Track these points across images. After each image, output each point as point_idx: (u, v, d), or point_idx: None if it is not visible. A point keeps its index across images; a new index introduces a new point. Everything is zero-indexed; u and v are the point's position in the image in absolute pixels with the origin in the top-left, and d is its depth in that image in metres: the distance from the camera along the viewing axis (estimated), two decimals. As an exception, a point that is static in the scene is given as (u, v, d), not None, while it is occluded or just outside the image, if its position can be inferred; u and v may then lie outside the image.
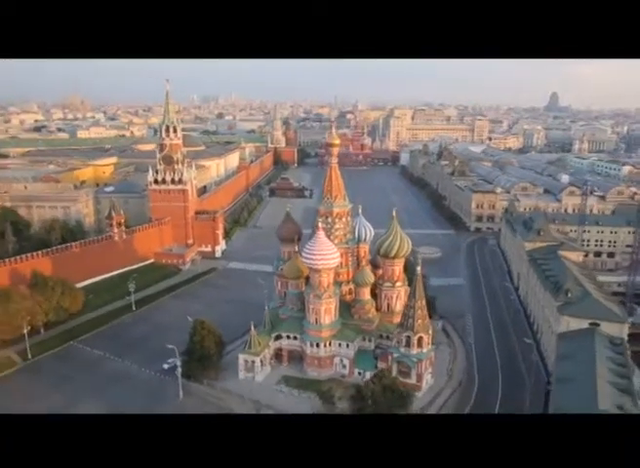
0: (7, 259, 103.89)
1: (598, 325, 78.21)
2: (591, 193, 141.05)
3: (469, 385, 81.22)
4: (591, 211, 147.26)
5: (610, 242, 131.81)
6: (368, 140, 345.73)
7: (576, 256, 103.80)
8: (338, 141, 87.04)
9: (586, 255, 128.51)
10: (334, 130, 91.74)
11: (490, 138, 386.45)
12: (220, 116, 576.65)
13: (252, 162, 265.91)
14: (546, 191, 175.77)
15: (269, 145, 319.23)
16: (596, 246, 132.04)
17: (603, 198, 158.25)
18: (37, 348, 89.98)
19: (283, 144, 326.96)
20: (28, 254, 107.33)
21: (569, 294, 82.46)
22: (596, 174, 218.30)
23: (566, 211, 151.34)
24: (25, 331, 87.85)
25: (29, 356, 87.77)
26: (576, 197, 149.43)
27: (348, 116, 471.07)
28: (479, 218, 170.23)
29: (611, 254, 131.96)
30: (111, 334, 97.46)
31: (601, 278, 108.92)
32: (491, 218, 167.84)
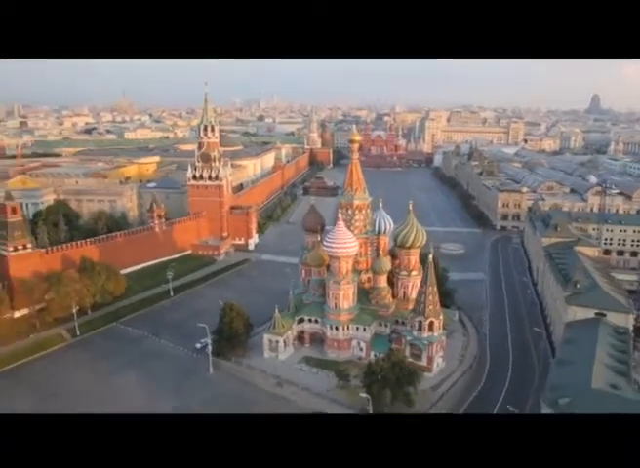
0: (59, 246, 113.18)
1: (604, 315, 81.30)
2: (607, 192, 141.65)
3: (480, 369, 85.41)
4: (617, 210, 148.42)
5: (633, 241, 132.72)
6: (402, 142, 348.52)
7: (592, 252, 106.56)
8: (358, 138, 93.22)
9: (609, 254, 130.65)
10: (354, 127, 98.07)
11: (525, 141, 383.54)
12: (261, 118, 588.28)
13: (288, 162, 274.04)
14: (573, 191, 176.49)
15: (305, 146, 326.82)
16: (619, 244, 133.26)
17: (629, 198, 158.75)
18: (85, 327, 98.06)
19: (319, 146, 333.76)
20: (78, 242, 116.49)
21: (577, 285, 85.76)
22: (628, 175, 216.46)
23: (592, 210, 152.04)
24: (74, 311, 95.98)
25: (78, 333, 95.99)
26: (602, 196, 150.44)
27: (385, 118, 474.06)
28: (505, 217, 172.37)
29: (634, 253, 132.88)
30: (151, 317, 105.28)
31: (621, 276, 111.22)
32: (516, 217, 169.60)
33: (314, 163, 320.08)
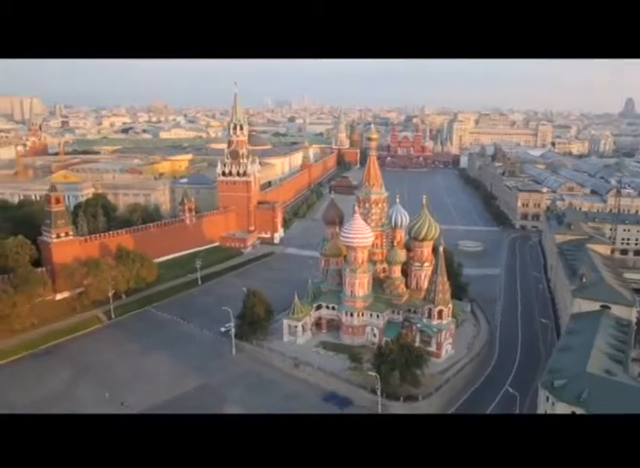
0: (97, 235, 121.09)
1: (609, 308, 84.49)
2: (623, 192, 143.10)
3: (489, 357, 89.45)
4: (637, 212, 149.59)
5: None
6: (429, 143, 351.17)
7: (603, 250, 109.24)
8: (376, 136, 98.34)
9: (626, 253, 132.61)
10: (373, 126, 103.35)
11: (553, 143, 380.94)
12: (292, 119, 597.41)
13: (316, 162, 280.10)
14: (594, 192, 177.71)
15: (333, 147, 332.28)
16: (637, 244, 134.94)
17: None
18: (119, 310, 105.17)
19: (347, 146, 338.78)
20: (114, 232, 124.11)
21: (584, 279, 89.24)
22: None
23: (611, 211, 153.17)
24: (110, 296, 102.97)
25: (113, 316, 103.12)
26: (621, 197, 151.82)
27: (414, 120, 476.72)
28: (525, 216, 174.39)
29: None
30: (180, 303, 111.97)
31: (637, 276, 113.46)
32: (536, 217, 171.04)
33: (342, 163, 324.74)
